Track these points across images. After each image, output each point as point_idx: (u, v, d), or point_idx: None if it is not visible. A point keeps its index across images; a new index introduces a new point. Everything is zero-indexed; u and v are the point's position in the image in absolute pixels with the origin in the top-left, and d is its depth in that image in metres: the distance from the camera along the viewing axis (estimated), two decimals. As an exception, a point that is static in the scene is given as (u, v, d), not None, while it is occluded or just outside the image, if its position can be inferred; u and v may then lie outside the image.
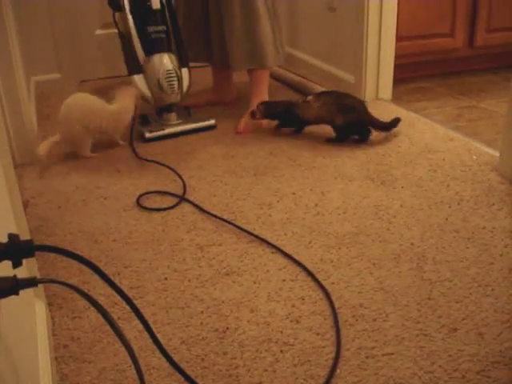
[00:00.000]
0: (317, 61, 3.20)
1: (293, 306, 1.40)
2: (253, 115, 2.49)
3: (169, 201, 1.94)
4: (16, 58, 2.23)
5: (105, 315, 0.74)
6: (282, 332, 1.32)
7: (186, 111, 2.61)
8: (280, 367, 1.22)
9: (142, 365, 1.23)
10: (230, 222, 1.78)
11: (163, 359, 1.15)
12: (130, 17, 2.44)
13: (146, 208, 1.90)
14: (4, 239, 0.72)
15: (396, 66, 2.83)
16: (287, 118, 2.48)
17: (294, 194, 1.95)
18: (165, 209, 1.89)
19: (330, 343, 1.28)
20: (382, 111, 2.67)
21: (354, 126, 2.35)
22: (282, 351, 1.26)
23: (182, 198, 1.94)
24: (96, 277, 1.36)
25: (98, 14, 3.32)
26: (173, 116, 2.55)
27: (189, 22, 2.67)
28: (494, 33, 3.12)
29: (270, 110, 2.48)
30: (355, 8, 2.76)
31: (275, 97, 2.80)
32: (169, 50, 2.46)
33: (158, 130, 2.48)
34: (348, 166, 2.14)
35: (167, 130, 2.49)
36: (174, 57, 2.47)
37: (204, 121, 2.56)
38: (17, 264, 0.70)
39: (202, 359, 1.25)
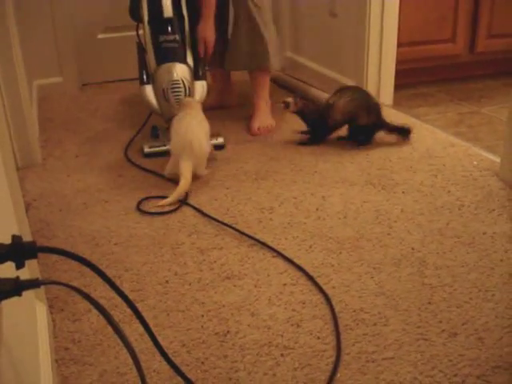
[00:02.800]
0: (318, 66, 3.21)
1: (293, 310, 1.40)
2: (286, 105, 2.39)
3: (170, 205, 1.94)
4: (18, 61, 2.24)
5: (107, 317, 0.74)
6: (282, 336, 1.32)
7: None
8: (280, 371, 1.22)
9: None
10: (230, 226, 1.78)
11: (164, 362, 1.15)
12: (147, 27, 2.39)
13: (147, 212, 1.90)
14: (7, 241, 0.72)
15: (397, 72, 2.84)
16: (317, 126, 2.41)
17: (295, 198, 1.95)
18: (166, 212, 1.89)
19: (331, 347, 1.28)
20: (383, 117, 2.67)
21: (373, 128, 2.35)
22: (282, 355, 1.26)
23: (184, 202, 1.94)
24: (97, 279, 1.36)
25: (100, 18, 3.34)
26: None
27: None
28: (495, 39, 3.12)
29: (306, 109, 2.40)
30: (356, 14, 2.77)
31: (276, 100, 2.80)
32: (180, 60, 2.37)
33: (159, 146, 2.35)
34: (349, 170, 2.14)
35: (168, 146, 2.24)
36: (185, 67, 2.37)
37: (212, 139, 2.32)
38: (20, 265, 0.70)
39: (203, 362, 1.25)
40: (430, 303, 1.40)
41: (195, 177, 2.07)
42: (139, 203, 1.95)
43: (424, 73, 3.18)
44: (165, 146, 2.32)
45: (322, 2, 3.05)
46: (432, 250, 1.62)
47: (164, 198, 1.98)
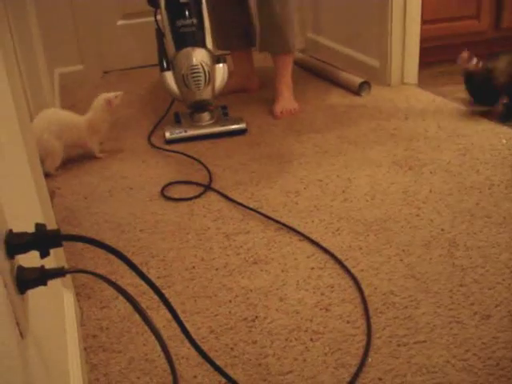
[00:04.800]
0: (340, 46, 3.17)
1: (322, 294, 1.39)
2: (468, 60, 2.35)
3: (194, 190, 1.93)
4: (39, 49, 2.24)
5: (134, 304, 0.73)
6: (311, 320, 1.30)
7: (223, 111, 2.50)
8: (310, 356, 1.20)
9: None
10: (256, 211, 1.76)
11: (192, 349, 1.14)
12: (164, 13, 2.37)
13: (171, 198, 1.89)
14: (31, 229, 0.71)
15: (421, 50, 2.79)
16: (481, 89, 2.37)
17: (320, 181, 1.93)
18: (190, 198, 1.88)
19: (361, 331, 1.26)
20: (409, 96, 2.63)
21: None
22: (312, 340, 1.24)
23: (208, 187, 1.93)
24: (123, 267, 1.35)
25: (119, 4, 3.32)
26: (205, 116, 2.41)
27: (220, 10, 2.66)
28: (522, 14, 3.05)
29: (476, 72, 2.35)
30: (379, -9, 2.72)
31: (298, 83, 2.77)
32: (199, 45, 2.36)
33: (180, 132, 2.35)
34: (375, 151, 2.11)
35: (190, 132, 2.36)
36: (204, 52, 2.36)
37: (234, 124, 2.39)
38: (44, 254, 0.69)
39: (232, 348, 1.24)
40: (461, 285, 1.38)
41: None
42: (163, 189, 1.94)
43: (449, 50, 3.11)
44: (186, 132, 2.36)
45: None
46: (462, 231, 1.59)
47: (188, 183, 1.97)
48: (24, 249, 0.68)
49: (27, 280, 0.68)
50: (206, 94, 2.35)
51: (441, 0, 2.89)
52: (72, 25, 3.21)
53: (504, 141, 2.11)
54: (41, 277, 0.69)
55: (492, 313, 1.28)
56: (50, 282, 0.72)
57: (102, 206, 1.88)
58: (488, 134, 2.18)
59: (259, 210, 1.77)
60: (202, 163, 2.10)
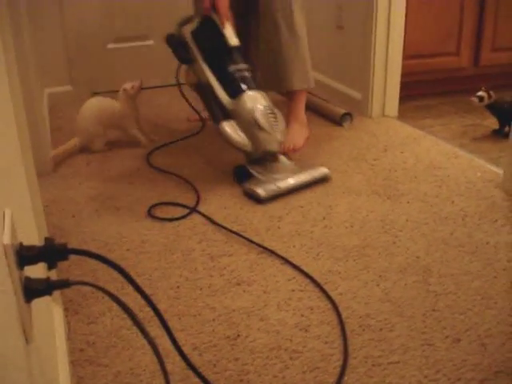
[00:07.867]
0: (324, 77, 3.26)
1: (302, 315, 1.45)
2: (480, 99, 2.54)
3: (180, 212, 1.99)
4: (32, 71, 2.29)
5: (131, 315, 0.78)
6: (291, 340, 1.36)
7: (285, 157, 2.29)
8: (289, 373, 1.26)
9: (155, 370, 1.28)
10: (239, 234, 1.82)
11: (176, 364, 1.20)
12: (205, 65, 2.27)
13: (158, 218, 1.94)
14: (27, 242, 0.76)
15: (402, 84, 2.89)
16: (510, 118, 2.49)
17: (302, 207, 2.00)
18: (176, 219, 1.93)
19: (338, 351, 1.32)
20: (388, 128, 2.72)
21: None
22: (291, 358, 1.30)
23: (194, 210, 1.99)
24: (109, 284, 1.42)
25: (110, 27, 3.39)
26: (279, 166, 2.20)
27: None
28: (499, 52, 3.17)
29: (498, 101, 2.53)
30: (363, 26, 2.82)
31: (283, 112, 2.84)
32: (257, 88, 2.22)
33: (273, 188, 2.07)
34: (355, 180, 2.18)
35: (283, 187, 2.09)
36: (265, 94, 2.22)
37: (316, 170, 2.20)
38: (52, 266, 0.75)
39: (214, 365, 1.29)
40: (434, 310, 1.45)
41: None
42: (150, 210, 2.00)
43: (429, 85, 3.23)
44: (280, 187, 2.09)
45: (329, 14, 3.11)
46: (436, 259, 1.66)
47: (174, 204, 2.03)
48: (33, 260, 0.73)
49: (34, 290, 0.74)
50: (282, 135, 2.22)
51: (422, 37, 3.00)
52: (62, 45, 3.28)
53: (479, 174, 2.20)
54: (47, 287, 0.75)
55: (462, 337, 1.35)
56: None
57: (89, 224, 1.93)
58: (464, 167, 2.27)
59: (243, 233, 1.83)
60: (192, 185, 2.16)
